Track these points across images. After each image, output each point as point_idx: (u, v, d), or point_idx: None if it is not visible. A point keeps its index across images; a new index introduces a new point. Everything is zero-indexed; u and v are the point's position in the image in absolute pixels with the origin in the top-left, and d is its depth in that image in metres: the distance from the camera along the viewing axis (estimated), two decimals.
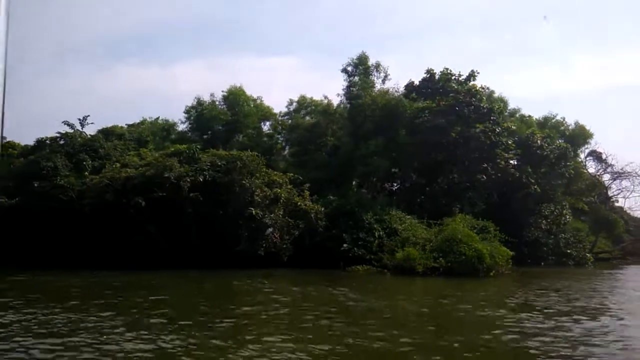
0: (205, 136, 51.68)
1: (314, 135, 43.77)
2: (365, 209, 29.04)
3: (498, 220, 29.30)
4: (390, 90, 37.00)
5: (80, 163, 32.29)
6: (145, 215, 27.60)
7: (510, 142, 36.65)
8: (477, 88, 35.74)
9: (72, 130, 35.29)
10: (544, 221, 37.83)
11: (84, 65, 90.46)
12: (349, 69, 38.13)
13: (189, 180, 26.44)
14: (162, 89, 78.85)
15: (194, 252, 27.71)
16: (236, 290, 20.07)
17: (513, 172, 35.59)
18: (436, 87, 37.80)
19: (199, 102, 53.77)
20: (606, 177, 49.93)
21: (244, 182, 26.27)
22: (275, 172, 28.38)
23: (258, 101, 56.71)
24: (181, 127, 53.45)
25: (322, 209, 28.06)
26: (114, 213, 27.01)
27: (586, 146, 46.62)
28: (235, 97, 55.68)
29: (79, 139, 34.13)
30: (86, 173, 30.71)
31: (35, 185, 30.79)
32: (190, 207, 26.63)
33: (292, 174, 29.23)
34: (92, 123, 37.07)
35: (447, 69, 37.26)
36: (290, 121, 58.34)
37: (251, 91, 56.30)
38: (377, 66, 37.40)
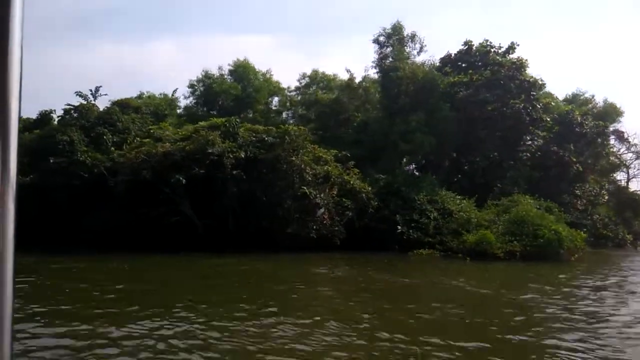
0: (212, 111, 48.89)
1: (334, 112, 41.55)
2: (415, 189, 27.15)
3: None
4: (427, 62, 34.83)
5: (100, 137, 29.52)
6: (179, 194, 25.23)
7: (548, 119, 35.07)
8: (523, 60, 33.81)
9: (85, 102, 32.32)
10: (579, 201, 36.57)
11: (55, 41, 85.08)
12: (381, 39, 35.82)
13: (231, 156, 24.07)
14: (133, 67, 74.51)
15: (236, 234, 25.56)
16: (330, 278, 17.79)
17: (556, 150, 34.05)
18: (473, 60, 35.79)
19: (207, 76, 51.00)
20: (628, 157, 48.93)
21: (292, 158, 24.02)
22: (320, 149, 26.13)
23: (267, 75, 54.18)
24: (183, 102, 50.31)
25: (369, 188, 26.06)
26: (146, 191, 24.55)
27: (614, 125, 45.33)
28: (244, 71, 53.00)
29: (95, 112, 31.24)
30: (113, 148, 28.02)
31: (52, 161, 28.02)
32: (233, 185, 24.31)
33: (336, 151, 27.03)
34: (105, 94, 34.17)
35: (486, 40, 35.26)
36: (299, 97, 56.10)
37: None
38: (413, 37, 35.14)
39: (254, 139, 25.97)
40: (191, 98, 51.23)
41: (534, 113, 33.76)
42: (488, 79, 33.08)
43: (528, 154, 32.96)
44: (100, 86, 34.85)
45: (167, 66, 78.56)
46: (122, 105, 33.39)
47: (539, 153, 33.86)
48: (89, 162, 27.47)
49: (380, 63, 35.90)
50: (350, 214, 24.43)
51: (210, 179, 24.28)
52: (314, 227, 23.89)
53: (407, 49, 35.11)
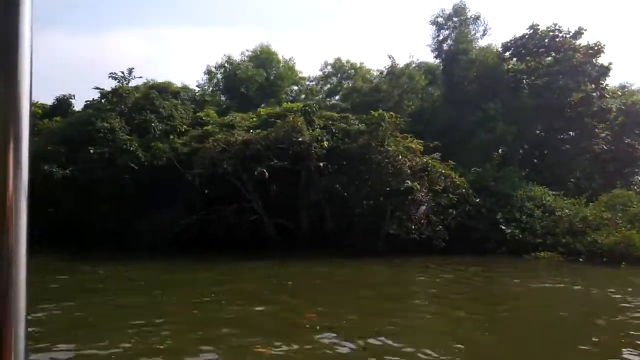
0: (234, 100, 45.32)
1: (376, 101, 38.50)
2: (506, 184, 24.41)
3: None
4: (491, 46, 32.13)
5: (147, 124, 25.83)
6: (249, 189, 21.91)
7: (614, 109, 32.79)
8: (600, 46, 31.33)
9: (120, 85, 28.48)
10: None
11: None
12: (439, 20, 32.94)
13: (319, 146, 20.87)
14: (94, 60, 69.49)
15: (311, 235, 22.44)
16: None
17: (630, 142, 31.80)
18: (538, 45, 33.18)
19: (229, 61, 47.33)
20: None
21: (388, 148, 20.95)
22: (408, 138, 23.06)
23: (290, 62, 50.83)
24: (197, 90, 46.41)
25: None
26: (218, 187, 21.15)
27: None
28: (267, 57, 49.54)
29: (133, 96, 27.45)
30: (172, 137, 24.42)
31: (92, 151, 24.26)
32: (318, 180, 21.11)
33: (419, 141, 23.97)
34: (139, 77, 30.32)
35: (555, 24, 32.64)
36: (321, 86, 52.85)
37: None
38: (477, 18, 32.38)
39: (331, 127, 22.83)
40: (207, 86, 47.46)
41: (604, 102, 31.45)
42: (563, 65, 30.55)
43: (604, 146, 30.58)
44: (133, 68, 31.11)
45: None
46: (159, 89, 29.61)
47: (612, 147, 31.55)
48: (140, 152, 23.80)
49: (439, 47, 33.05)
50: (453, 213, 21.48)
51: (286, 171, 21.01)
52: (413, 227, 20.86)
53: (471, 32, 32.31)
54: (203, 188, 20.73)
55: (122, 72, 30.27)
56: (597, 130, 31.75)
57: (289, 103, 24.04)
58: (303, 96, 51.51)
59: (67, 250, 20.69)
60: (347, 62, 50.83)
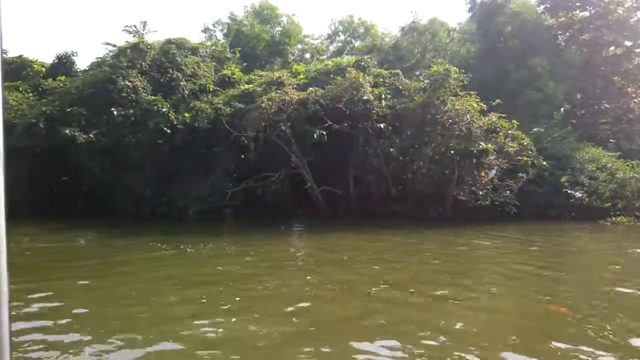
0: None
1: (400, 60, 36.39)
2: (566, 146, 23.07)
3: None
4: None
5: (173, 83, 23.31)
6: (297, 153, 19.94)
7: None
8: None
9: (135, 40, 25.61)
10: None
11: None
12: None
13: (380, 105, 18.92)
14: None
15: (358, 202, 20.80)
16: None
17: None
18: None
19: (232, 18, 44.23)
20: None
21: (456, 106, 19.16)
22: (468, 96, 21.22)
23: (293, 19, 47.85)
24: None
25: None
26: (267, 151, 19.10)
27: None
28: (271, 13, 46.51)
29: (154, 51, 24.72)
30: (208, 97, 22.03)
31: (115, 113, 21.76)
32: (377, 143, 19.26)
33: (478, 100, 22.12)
34: (155, 31, 27.45)
35: None
36: (328, 45, 50.15)
37: None
38: None
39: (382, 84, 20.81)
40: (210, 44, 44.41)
41: None
42: (604, 20, 28.97)
43: None
44: (146, 21, 28.17)
45: None
46: (178, 45, 26.83)
47: None
48: (172, 114, 21.40)
49: (472, 3, 31.01)
50: (524, 177, 20.00)
51: (338, 135, 19.04)
52: (481, 192, 19.35)
53: None
54: (249, 153, 18.63)
55: (134, 26, 27.39)
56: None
57: (338, 59, 21.71)
58: (307, 55, 49.03)
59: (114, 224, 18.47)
60: (359, 19, 48.26)
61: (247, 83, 25.00)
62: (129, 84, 22.78)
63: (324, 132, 17.99)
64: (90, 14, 73.27)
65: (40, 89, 26.34)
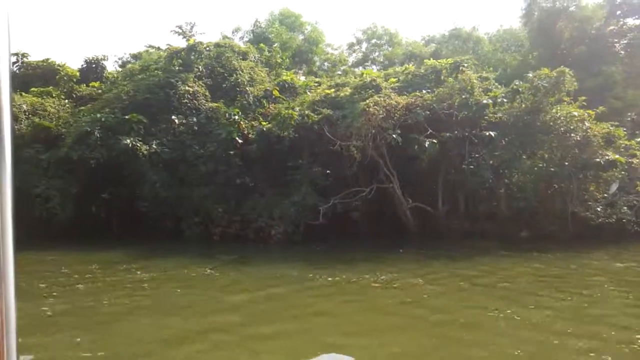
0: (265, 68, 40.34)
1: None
2: None
3: None
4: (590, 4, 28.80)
5: (240, 87, 20.97)
6: (389, 165, 17.76)
7: None
8: None
9: (187, 42, 23.21)
10: None
11: None
12: None
13: (493, 110, 16.87)
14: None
15: (447, 219, 18.70)
16: None
17: None
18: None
19: (257, 25, 42.06)
20: None
21: (573, 112, 17.24)
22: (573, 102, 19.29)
23: (317, 26, 45.95)
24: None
25: None
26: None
27: None
28: (294, 21, 44.53)
29: (212, 54, 22.33)
30: (277, 105, 19.69)
31: (176, 121, 19.30)
32: (486, 153, 17.19)
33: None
34: (202, 33, 25.08)
35: None
36: (351, 54, 48.28)
37: None
38: None
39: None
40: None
41: None
42: None
43: None
44: (194, 22, 25.87)
45: None
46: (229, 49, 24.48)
47: None
48: (242, 122, 18.98)
49: (530, 10, 29.50)
50: None
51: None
52: (598, 208, 17.37)
53: None
54: (354, 164, 16.30)
55: (180, 27, 25.01)
56: None
57: (430, 60, 19.57)
58: (326, 64, 47.12)
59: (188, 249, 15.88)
60: (383, 27, 46.53)
61: (305, 90, 22.87)
62: (189, 88, 20.37)
63: (435, 142, 15.82)
64: (98, 17, 70.31)
65: (74, 96, 23.71)
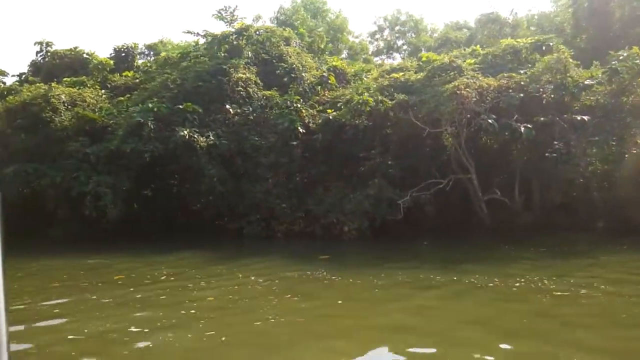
0: None
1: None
2: None
3: None
4: None
5: (295, 74, 19.55)
6: (466, 154, 16.40)
7: None
8: None
9: (236, 25, 21.66)
10: None
11: None
12: None
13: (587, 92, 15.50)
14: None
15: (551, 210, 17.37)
16: None
17: None
18: None
19: (282, 12, 40.49)
20: None
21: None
22: None
23: (340, 14, 44.44)
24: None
25: None
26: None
27: None
28: (318, 8, 43.03)
29: (260, 36, 20.88)
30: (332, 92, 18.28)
31: (231, 110, 17.89)
32: (577, 137, 15.82)
33: None
34: (244, 18, 23.51)
35: None
36: (375, 42, 46.76)
37: None
38: None
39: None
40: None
41: None
42: None
43: None
44: (235, 5, 24.34)
45: None
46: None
47: None
48: (305, 110, 17.57)
49: None
50: None
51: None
52: None
53: None
54: (447, 152, 14.95)
55: (220, 12, 23.45)
56: None
57: (506, 40, 18.15)
58: (346, 52, 45.62)
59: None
60: (407, 13, 45.02)
61: (356, 77, 21.49)
62: (242, 75, 18.93)
63: (530, 127, 14.44)
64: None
65: (108, 86, 22.23)
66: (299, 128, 17.10)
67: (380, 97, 15.77)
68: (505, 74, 15.47)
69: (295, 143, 17.13)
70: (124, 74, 23.31)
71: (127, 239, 16.77)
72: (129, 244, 15.82)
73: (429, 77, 16.24)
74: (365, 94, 16.46)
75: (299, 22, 38.08)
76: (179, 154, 16.66)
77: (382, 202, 15.72)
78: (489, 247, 13.40)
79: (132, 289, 9.05)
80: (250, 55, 20.27)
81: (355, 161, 17.44)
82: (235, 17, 22.98)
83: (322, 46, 26.35)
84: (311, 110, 18.04)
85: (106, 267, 11.77)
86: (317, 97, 19.40)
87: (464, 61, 16.95)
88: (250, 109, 18.23)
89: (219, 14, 22.20)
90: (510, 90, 14.74)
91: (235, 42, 20.00)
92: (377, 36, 46.47)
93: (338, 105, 18.03)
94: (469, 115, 14.13)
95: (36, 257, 13.46)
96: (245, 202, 17.25)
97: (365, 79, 20.59)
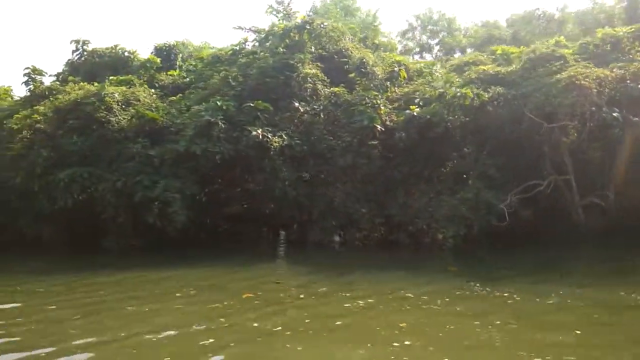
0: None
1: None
2: None
3: None
4: None
5: (365, 68, 18.16)
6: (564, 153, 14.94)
7: None
8: None
9: (280, 21, 20.37)
10: None
11: None
12: None
13: None
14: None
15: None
16: None
17: None
18: None
19: (314, 11, 39.15)
20: None
21: None
22: None
23: (373, 13, 43.12)
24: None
25: None
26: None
27: None
28: (347, 5, 41.73)
29: (325, 29, 19.51)
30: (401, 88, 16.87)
31: (300, 109, 16.49)
32: None
33: None
34: (297, 11, 22.19)
35: None
36: (404, 42, 45.34)
37: None
38: None
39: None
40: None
41: None
42: None
43: None
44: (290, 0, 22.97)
45: None
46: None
47: None
48: (384, 107, 16.12)
49: None
50: None
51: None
52: None
53: None
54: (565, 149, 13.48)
55: (271, 6, 22.12)
56: None
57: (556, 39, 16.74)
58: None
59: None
60: (439, 12, 43.65)
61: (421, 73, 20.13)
62: (309, 71, 17.53)
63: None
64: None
65: (156, 85, 20.81)
66: (378, 126, 15.65)
67: (477, 91, 14.32)
68: (617, 64, 14.00)
69: (374, 142, 15.66)
70: (169, 72, 21.97)
71: (193, 247, 15.35)
72: (204, 254, 14.40)
73: (527, 69, 14.79)
74: (461, 88, 14.98)
75: (332, 20, 36.74)
76: (251, 155, 15.21)
77: (480, 206, 14.23)
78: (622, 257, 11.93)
79: (291, 311, 7.46)
80: (313, 50, 18.88)
81: (437, 162, 16.01)
82: (292, 10, 21.67)
83: (377, 41, 24.93)
84: (390, 107, 16.62)
85: (220, 282, 10.18)
86: (387, 94, 17.99)
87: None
88: (321, 106, 16.81)
89: (272, 8, 20.86)
90: (628, 81, 13.28)
91: (296, 37, 18.58)
92: (409, 35, 45.07)
93: (416, 101, 16.64)
94: (593, 108, 12.67)
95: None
96: (320, 207, 15.78)
97: (436, 74, 19.18)
